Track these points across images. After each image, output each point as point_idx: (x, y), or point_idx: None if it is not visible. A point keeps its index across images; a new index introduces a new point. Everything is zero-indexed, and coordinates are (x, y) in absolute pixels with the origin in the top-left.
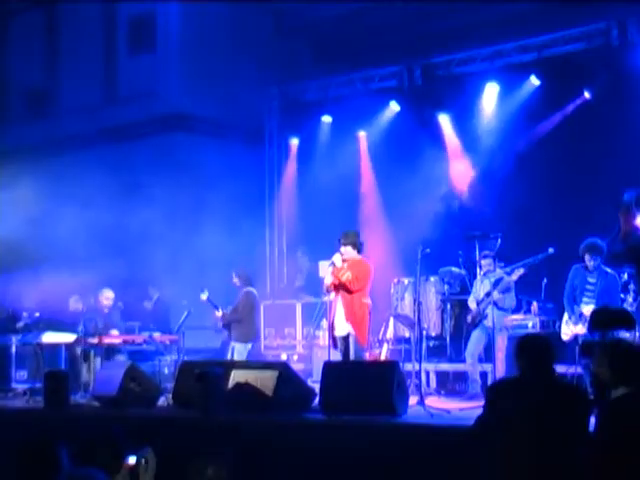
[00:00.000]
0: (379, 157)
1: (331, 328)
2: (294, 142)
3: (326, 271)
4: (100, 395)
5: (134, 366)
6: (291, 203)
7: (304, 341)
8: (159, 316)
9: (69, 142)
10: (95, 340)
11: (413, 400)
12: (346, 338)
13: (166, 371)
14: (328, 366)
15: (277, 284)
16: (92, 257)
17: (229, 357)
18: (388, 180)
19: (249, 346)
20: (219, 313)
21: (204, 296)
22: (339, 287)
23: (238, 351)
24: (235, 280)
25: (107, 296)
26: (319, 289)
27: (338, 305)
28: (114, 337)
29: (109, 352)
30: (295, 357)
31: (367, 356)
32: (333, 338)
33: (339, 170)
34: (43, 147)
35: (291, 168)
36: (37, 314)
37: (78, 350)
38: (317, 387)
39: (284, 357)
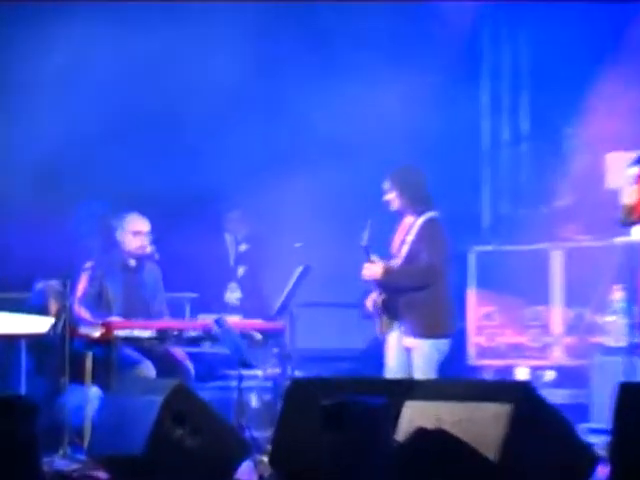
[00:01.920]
0: None
1: None
2: None
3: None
4: (106, 456)
5: (183, 390)
6: None
7: (569, 338)
8: (247, 278)
9: None
10: (95, 330)
11: None
12: None
13: (254, 401)
14: (629, 392)
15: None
16: None
17: (392, 369)
18: None
19: (442, 346)
20: (378, 269)
21: (364, 239)
22: None
23: (418, 358)
24: (391, 196)
25: (136, 228)
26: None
27: None
28: (139, 323)
29: (125, 360)
30: (550, 374)
31: None
32: None
33: None
34: None
35: None
36: None
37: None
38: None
39: (523, 373)
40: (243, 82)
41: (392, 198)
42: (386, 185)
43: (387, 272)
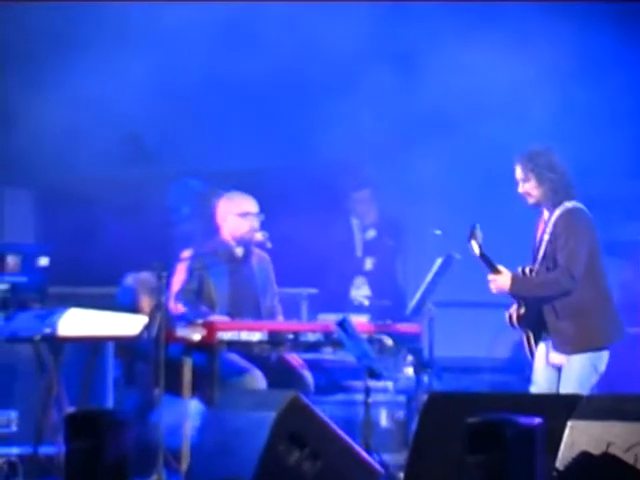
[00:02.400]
0: None
1: None
2: None
3: None
4: None
5: (300, 404)
6: None
7: None
8: (377, 272)
9: None
10: (195, 332)
11: None
12: None
13: (384, 419)
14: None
15: None
16: None
17: (539, 386)
18: None
19: (598, 361)
20: (506, 280)
21: (475, 245)
22: None
23: (568, 377)
24: (527, 187)
25: (243, 208)
26: None
27: None
28: (248, 324)
29: (231, 368)
30: None
31: None
32: None
33: None
34: None
35: None
36: None
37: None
38: None
39: None
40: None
41: (530, 188)
42: (518, 173)
43: (515, 283)
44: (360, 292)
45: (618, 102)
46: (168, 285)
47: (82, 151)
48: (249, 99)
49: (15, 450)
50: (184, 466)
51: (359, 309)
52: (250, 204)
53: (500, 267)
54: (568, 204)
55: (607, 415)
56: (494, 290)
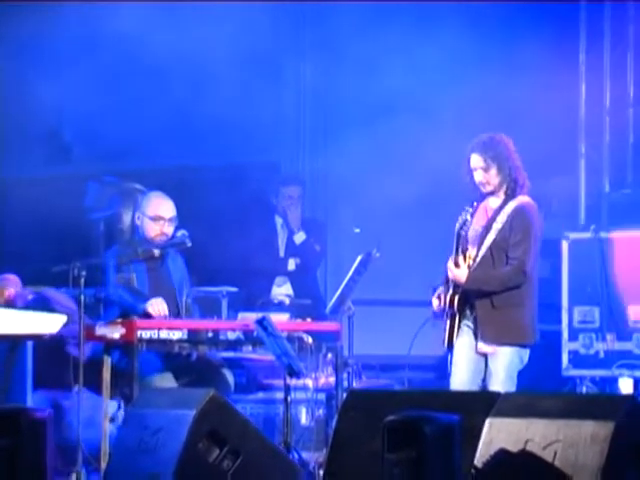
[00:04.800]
0: None
1: None
2: None
3: None
4: None
5: (219, 403)
6: None
7: None
8: (300, 272)
9: None
10: (115, 331)
11: None
12: None
13: (303, 417)
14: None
15: None
16: None
17: (462, 381)
18: None
19: (525, 356)
20: (463, 274)
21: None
22: None
23: (497, 368)
24: (491, 174)
25: (156, 212)
26: None
27: None
28: (167, 323)
29: (151, 363)
30: None
31: None
32: None
33: None
34: None
35: None
36: None
37: (72, 350)
38: None
39: (628, 385)
40: None
41: (491, 176)
42: (477, 161)
43: (470, 278)
44: (281, 290)
45: (539, 100)
46: (87, 283)
47: (3, 148)
48: (170, 95)
49: None
50: (103, 464)
51: (280, 308)
52: (164, 208)
53: (460, 259)
54: (523, 198)
55: (525, 412)
56: (450, 276)
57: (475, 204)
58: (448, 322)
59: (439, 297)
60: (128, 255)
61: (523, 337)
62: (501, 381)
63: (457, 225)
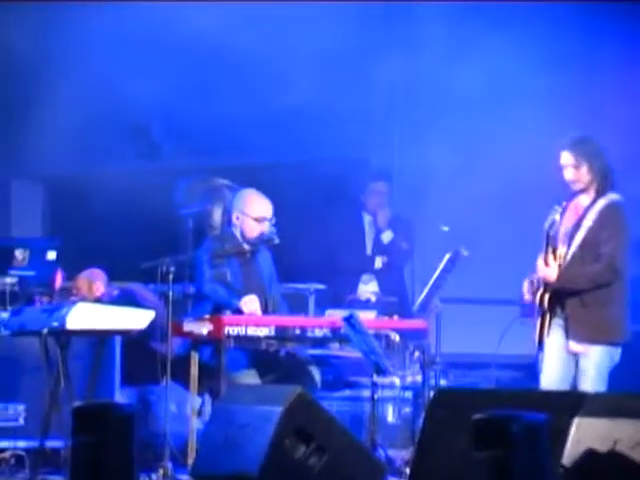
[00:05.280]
0: None
1: None
2: None
3: None
4: (214, 476)
5: (306, 400)
6: None
7: None
8: (387, 270)
9: None
10: (203, 327)
11: None
12: None
13: (390, 414)
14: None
15: None
16: None
17: (553, 379)
18: None
19: (616, 355)
20: (553, 273)
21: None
22: None
23: (588, 367)
24: (581, 172)
25: (258, 213)
26: None
27: None
28: (254, 319)
29: (236, 359)
30: None
31: None
32: None
33: None
34: None
35: None
36: None
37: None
38: None
39: None
40: None
41: (582, 174)
42: (567, 158)
43: (561, 277)
44: (368, 288)
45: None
46: (175, 279)
47: (92, 144)
48: (258, 91)
49: (22, 444)
50: (190, 460)
51: (366, 305)
52: (266, 209)
53: (550, 258)
54: (613, 196)
55: (613, 412)
56: (540, 274)
57: (564, 203)
58: (539, 321)
59: (532, 285)
60: (223, 251)
61: (613, 335)
62: (592, 380)
63: (546, 224)
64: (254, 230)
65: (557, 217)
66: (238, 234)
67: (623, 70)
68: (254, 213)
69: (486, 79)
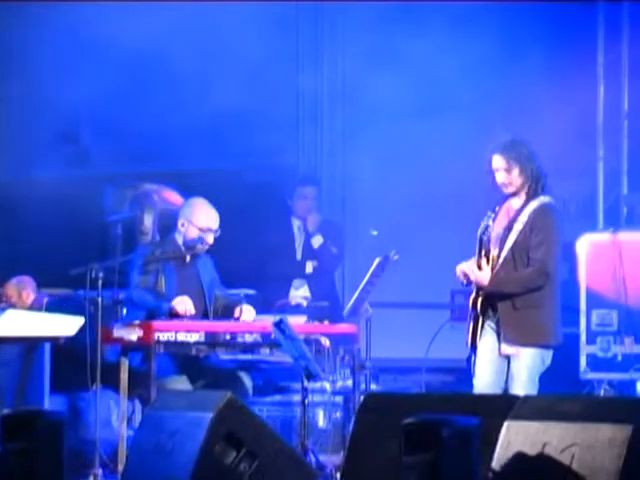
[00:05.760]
0: None
1: None
2: None
3: None
4: None
5: (236, 405)
6: None
7: None
8: (317, 276)
9: None
10: (132, 333)
11: None
12: None
13: (321, 419)
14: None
15: None
16: None
17: (485, 383)
18: None
19: (547, 358)
20: (485, 277)
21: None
22: None
23: (519, 369)
24: (513, 175)
25: (205, 224)
26: None
27: None
28: (184, 325)
29: (166, 365)
30: None
31: None
32: None
33: None
34: None
35: None
36: None
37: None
38: None
39: None
40: None
41: (513, 177)
42: (499, 162)
43: (493, 281)
44: (299, 293)
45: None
46: (104, 285)
47: (20, 150)
48: (185, 98)
49: None
50: (120, 467)
51: (297, 310)
52: (213, 220)
53: (483, 262)
54: (544, 198)
55: (543, 415)
56: (472, 279)
57: (497, 209)
58: (471, 324)
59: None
60: (155, 257)
61: (544, 338)
62: (522, 383)
63: (479, 230)
64: (197, 239)
65: (490, 222)
66: (180, 241)
67: (549, 74)
68: (200, 223)
69: (411, 85)
